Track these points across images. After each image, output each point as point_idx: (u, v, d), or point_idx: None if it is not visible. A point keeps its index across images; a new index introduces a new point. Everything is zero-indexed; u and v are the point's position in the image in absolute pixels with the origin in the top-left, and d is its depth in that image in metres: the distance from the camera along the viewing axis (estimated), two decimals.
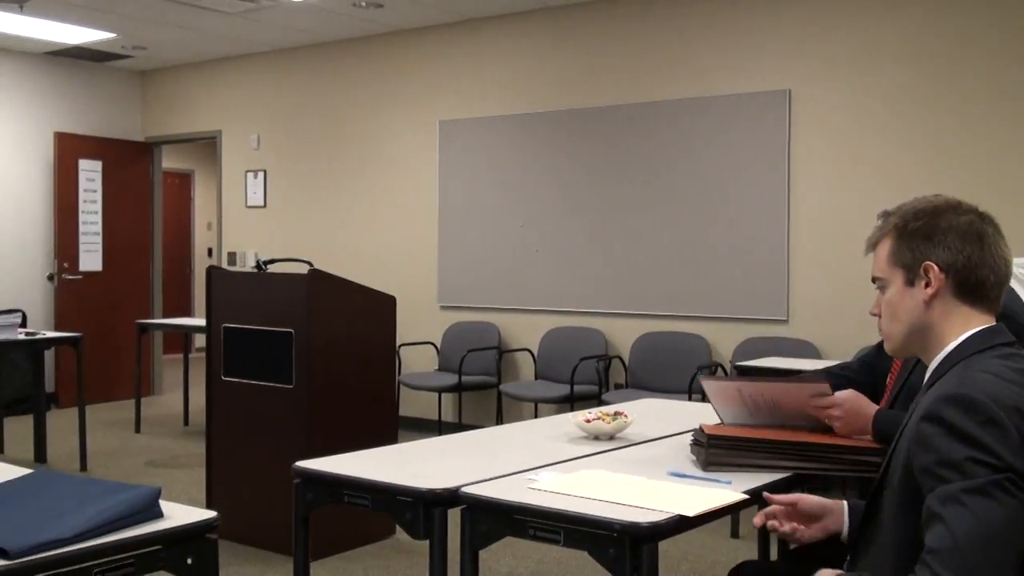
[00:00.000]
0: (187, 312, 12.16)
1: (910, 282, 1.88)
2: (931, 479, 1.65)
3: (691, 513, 2.06)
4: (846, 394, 2.42)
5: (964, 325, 1.85)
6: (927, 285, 1.86)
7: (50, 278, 8.93)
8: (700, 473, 2.40)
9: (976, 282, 1.84)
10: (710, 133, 6.45)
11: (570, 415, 3.06)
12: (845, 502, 2.13)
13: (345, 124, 8.20)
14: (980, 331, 1.84)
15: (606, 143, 6.85)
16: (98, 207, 9.11)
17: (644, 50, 6.73)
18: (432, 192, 7.68)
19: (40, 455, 6.53)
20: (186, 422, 7.99)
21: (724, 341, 6.42)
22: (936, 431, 1.67)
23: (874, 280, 1.97)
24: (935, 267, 1.85)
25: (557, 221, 7.06)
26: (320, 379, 4.60)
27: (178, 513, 1.92)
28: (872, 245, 1.98)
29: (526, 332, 7.23)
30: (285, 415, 4.65)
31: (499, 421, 7.14)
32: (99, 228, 9.12)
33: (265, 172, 8.73)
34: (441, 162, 7.63)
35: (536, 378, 7.10)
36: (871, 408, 2.43)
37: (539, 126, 7.14)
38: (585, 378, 6.64)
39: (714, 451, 2.43)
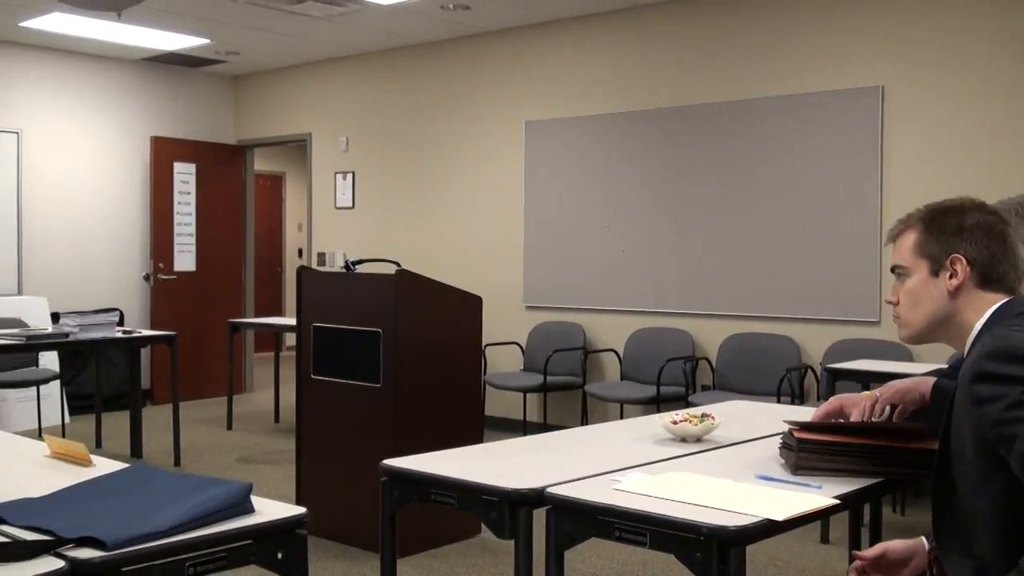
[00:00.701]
0: (278, 312, 12.40)
1: (935, 272, 2.03)
2: (1008, 426, 1.75)
3: (780, 517, 2.03)
4: (881, 388, 2.47)
5: (987, 307, 2.00)
6: (951, 276, 2.01)
7: (146, 278, 9.18)
8: (789, 477, 2.36)
9: (999, 276, 2.00)
10: (799, 131, 6.34)
11: (656, 416, 3.03)
12: (923, 538, 2.17)
13: (432, 125, 8.26)
14: (1001, 305, 1.98)
15: (693, 142, 6.78)
16: (192, 209, 9.34)
17: (732, 47, 6.64)
18: (518, 193, 7.70)
19: (136, 450, 6.71)
20: (276, 419, 8.14)
21: (814, 343, 6.30)
22: (989, 385, 1.78)
23: (893, 269, 2.13)
24: (963, 259, 2.01)
25: (643, 221, 7.02)
26: (407, 378, 4.64)
27: (269, 508, 1.94)
28: (894, 237, 2.14)
29: (612, 333, 7.19)
30: (373, 414, 4.70)
31: (584, 422, 7.13)
32: (193, 229, 9.35)
33: (354, 174, 8.84)
34: (527, 162, 7.64)
35: (622, 379, 7.06)
36: (922, 383, 2.44)
37: (625, 125, 7.11)
38: (671, 379, 6.58)
39: (804, 455, 2.38)
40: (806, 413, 2.96)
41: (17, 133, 8.34)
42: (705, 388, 6.67)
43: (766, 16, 6.51)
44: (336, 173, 8.98)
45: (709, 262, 6.72)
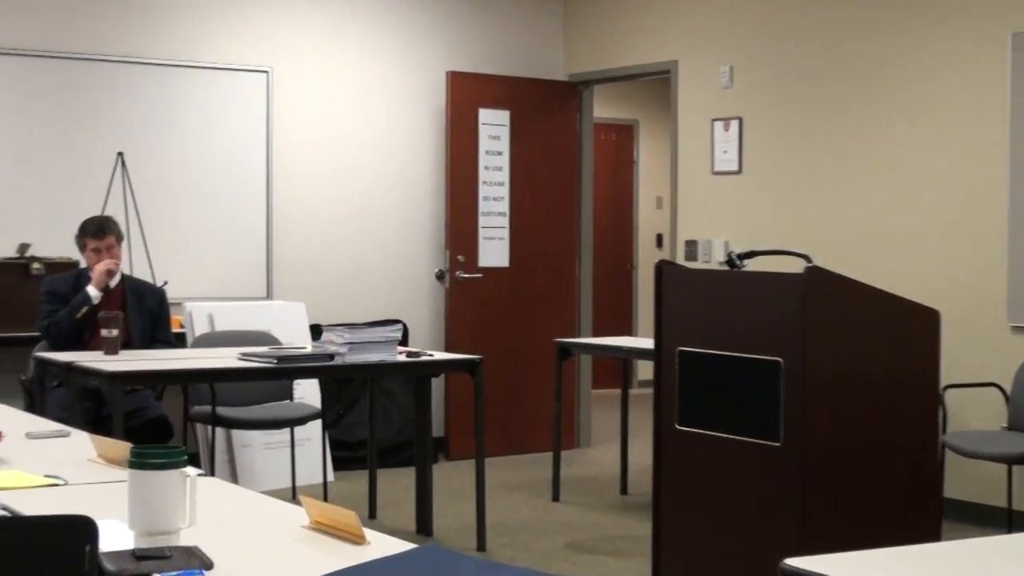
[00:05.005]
0: (626, 327, 12.54)
1: None
2: None
3: None
4: None
5: None
6: None
7: (439, 277, 9.59)
8: None
9: None
10: None
11: None
12: None
13: (858, 46, 8.11)
14: None
15: None
16: (504, 176, 9.66)
17: None
18: (999, 147, 7.41)
19: (424, 525, 7.01)
20: (624, 489, 8.26)
21: None
22: None
23: None
24: None
25: None
26: (821, 433, 4.58)
27: None
28: None
29: None
30: (769, 486, 4.68)
31: None
32: (505, 207, 9.68)
33: (740, 121, 8.83)
34: (1015, 97, 7.34)
35: None
36: None
37: None
38: None
39: None
40: None
41: (267, 72, 8.97)
42: None
43: None
44: (714, 120, 9.00)
45: None
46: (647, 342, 7.00)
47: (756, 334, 4.72)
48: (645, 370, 11.12)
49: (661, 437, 5.07)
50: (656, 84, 10.83)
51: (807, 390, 4.55)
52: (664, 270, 5.13)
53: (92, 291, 6.84)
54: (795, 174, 8.50)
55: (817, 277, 4.63)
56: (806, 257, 4.96)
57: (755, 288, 4.80)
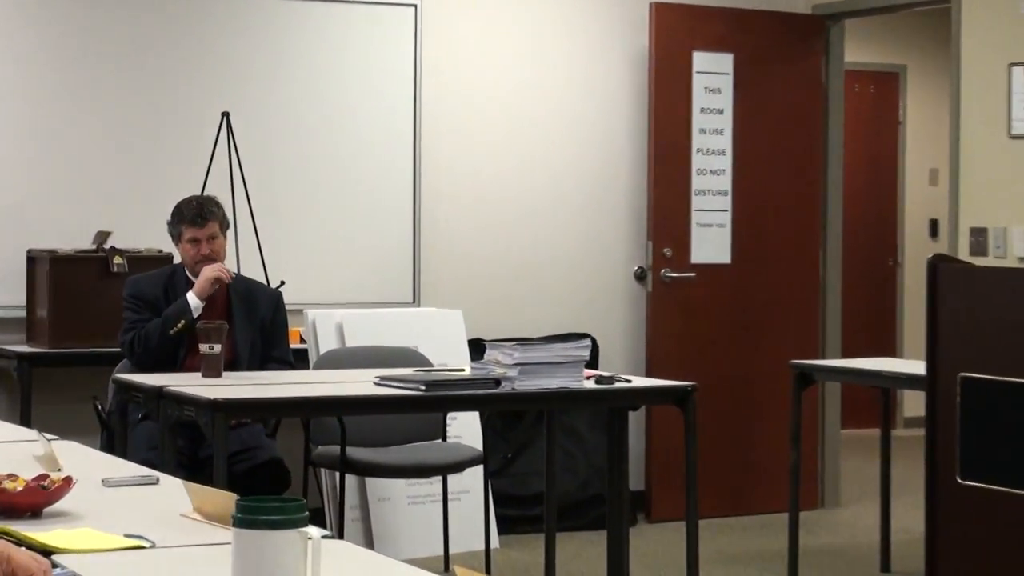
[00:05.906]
0: (888, 346, 12.54)
1: None
2: None
3: None
4: None
5: None
6: None
7: (639, 276, 9.56)
8: None
9: None
10: None
11: None
12: None
13: None
14: None
15: None
16: (725, 142, 9.62)
17: None
18: None
19: None
20: (885, 565, 8.16)
21: None
22: None
23: None
24: None
25: None
26: None
27: None
28: None
29: None
30: None
31: None
32: (726, 183, 9.63)
33: None
34: None
35: None
36: None
37: None
38: None
39: None
40: None
41: (415, 6, 8.98)
42: None
43: None
44: (1012, 65, 8.80)
45: None
46: (918, 365, 6.90)
47: None
48: (914, 404, 10.95)
49: (937, 494, 5.06)
50: (931, 17, 10.76)
51: None
52: (940, 269, 5.12)
53: (193, 300, 6.89)
54: None
55: None
56: None
57: None
